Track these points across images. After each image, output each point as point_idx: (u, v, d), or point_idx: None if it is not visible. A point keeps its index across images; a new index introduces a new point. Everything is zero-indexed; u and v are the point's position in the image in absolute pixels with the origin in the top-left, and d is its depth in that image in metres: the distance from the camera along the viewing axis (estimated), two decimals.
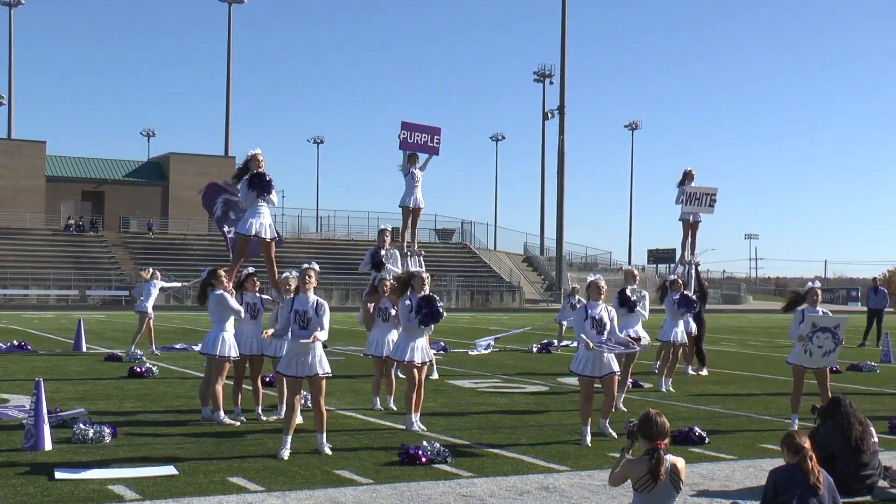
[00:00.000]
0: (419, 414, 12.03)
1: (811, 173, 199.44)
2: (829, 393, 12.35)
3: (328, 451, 10.10)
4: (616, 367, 11.39)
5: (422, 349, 12.01)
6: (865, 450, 8.72)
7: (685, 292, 17.03)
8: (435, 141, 18.56)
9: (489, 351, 24.58)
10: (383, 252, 17.12)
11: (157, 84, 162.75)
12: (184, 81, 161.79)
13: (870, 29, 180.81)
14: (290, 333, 10.25)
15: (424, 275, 12.27)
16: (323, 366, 10.21)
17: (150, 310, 21.68)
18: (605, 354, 11.22)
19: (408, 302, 11.88)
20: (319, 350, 10.26)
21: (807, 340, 11.93)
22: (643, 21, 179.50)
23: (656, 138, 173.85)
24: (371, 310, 14.09)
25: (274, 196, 12.89)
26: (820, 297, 12.46)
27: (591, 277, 11.57)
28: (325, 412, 10.37)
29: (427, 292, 12.03)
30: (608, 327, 11.37)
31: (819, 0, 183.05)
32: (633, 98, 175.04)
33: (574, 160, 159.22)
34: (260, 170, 12.70)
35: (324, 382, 10.31)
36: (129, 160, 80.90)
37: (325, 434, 10.27)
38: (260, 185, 12.67)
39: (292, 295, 10.93)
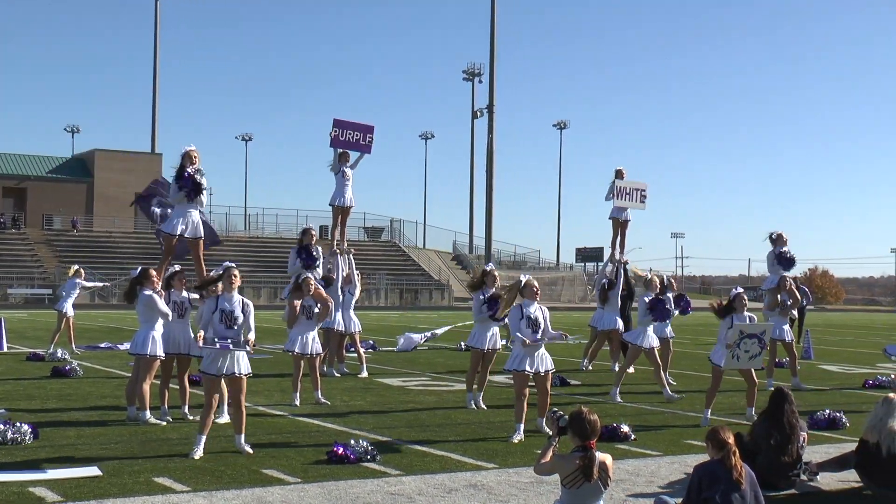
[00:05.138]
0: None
1: (735, 172, 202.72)
2: (756, 389, 12.82)
3: (249, 451, 9.95)
4: (551, 365, 11.54)
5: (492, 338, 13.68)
6: (791, 446, 8.90)
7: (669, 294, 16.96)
8: (367, 139, 18.46)
9: (413, 349, 24.61)
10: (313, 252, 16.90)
11: (81, 79, 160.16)
12: (109, 77, 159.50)
13: (797, 25, 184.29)
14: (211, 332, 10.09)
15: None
16: (244, 365, 10.09)
17: (67, 309, 21.29)
18: (541, 353, 11.37)
19: (481, 297, 13.42)
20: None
21: (734, 347, 12.30)
22: (572, 21, 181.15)
23: (584, 138, 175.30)
24: (297, 308, 14.00)
25: (203, 197, 12.83)
26: (746, 302, 12.84)
27: (524, 278, 11.75)
28: (245, 412, 10.24)
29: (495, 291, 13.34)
30: (542, 326, 11.46)
31: None
32: (562, 97, 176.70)
33: (503, 159, 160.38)
34: (194, 166, 12.64)
35: (244, 382, 10.18)
36: (52, 156, 79.47)
37: (243, 435, 10.10)
38: (189, 185, 12.58)
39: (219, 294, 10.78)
